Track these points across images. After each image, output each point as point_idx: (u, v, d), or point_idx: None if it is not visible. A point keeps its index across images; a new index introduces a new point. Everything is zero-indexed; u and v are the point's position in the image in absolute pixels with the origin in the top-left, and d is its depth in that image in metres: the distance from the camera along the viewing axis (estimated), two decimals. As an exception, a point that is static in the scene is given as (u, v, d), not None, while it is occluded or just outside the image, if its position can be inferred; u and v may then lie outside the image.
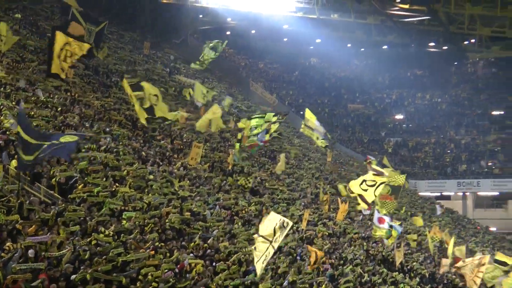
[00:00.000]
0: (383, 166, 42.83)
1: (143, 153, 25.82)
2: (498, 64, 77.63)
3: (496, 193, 66.17)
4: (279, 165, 33.81)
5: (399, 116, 73.67)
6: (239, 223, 23.75)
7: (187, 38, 62.12)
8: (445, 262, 29.15)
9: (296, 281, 20.64)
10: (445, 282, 29.05)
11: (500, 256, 30.81)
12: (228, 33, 71.08)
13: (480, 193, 66.28)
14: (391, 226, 27.48)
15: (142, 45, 47.63)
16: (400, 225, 29.51)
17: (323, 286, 21.46)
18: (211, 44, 42.77)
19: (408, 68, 79.56)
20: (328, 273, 22.73)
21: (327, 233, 27.91)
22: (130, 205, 20.06)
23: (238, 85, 61.51)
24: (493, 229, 59.92)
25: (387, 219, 27.85)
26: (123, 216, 19.05)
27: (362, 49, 78.89)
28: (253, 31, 72.88)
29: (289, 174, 36.49)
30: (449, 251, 29.89)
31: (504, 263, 30.69)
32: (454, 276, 29.97)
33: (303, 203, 31.07)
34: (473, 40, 73.85)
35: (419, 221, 38.43)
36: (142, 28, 54.24)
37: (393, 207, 30.12)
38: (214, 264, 19.05)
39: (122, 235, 17.87)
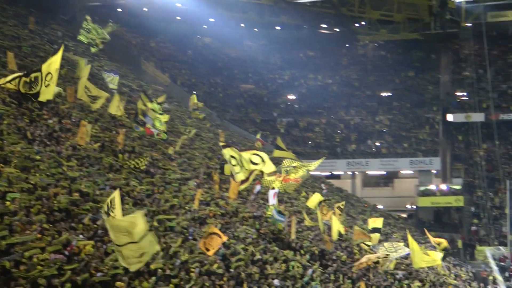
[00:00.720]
0: (277, 147, 43.29)
1: (29, 132, 24.75)
2: (387, 47, 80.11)
3: (384, 172, 68.59)
4: (175, 146, 33.55)
5: (291, 97, 74.58)
6: (130, 204, 23.31)
7: (76, 15, 60.11)
8: (328, 239, 29.71)
9: (188, 260, 20.46)
10: (334, 258, 29.70)
11: (372, 222, 31.89)
12: (119, 10, 69.49)
13: (369, 172, 68.45)
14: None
15: (27, 20, 45.60)
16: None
17: (215, 265, 21.41)
18: (104, 29, 42.37)
19: (301, 49, 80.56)
20: (220, 252, 22.69)
21: (219, 213, 27.87)
22: (15, 186, 19.20)
23: (129, 64, 60.28)
24: (380, 207, 62.08)
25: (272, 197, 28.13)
26: (7, 198, 18.22)
27: (255, 30, 79.22)
28: (145, 9, 71.61)
29: (181, 154, 36.18)
30: (334, 230, 30.50)
31: (377, 230, 31.81)
32: (342, 253, 30.72)
33: (195, 183, 30.86)
34: (363, 23, 75.91)
35: (312, 201, 38.94)
36: (27, 2, 51.89)
37: (294, 187, 30.47)
38: (104, 245, 18.57)
39: (6, 217, 17.11)
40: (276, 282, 22.68)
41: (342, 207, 35.63)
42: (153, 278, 18.48)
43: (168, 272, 19.38)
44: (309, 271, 25.33)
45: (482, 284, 40.75)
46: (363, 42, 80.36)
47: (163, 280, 18.84)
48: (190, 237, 23.09)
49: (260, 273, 22.90)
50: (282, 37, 78.73)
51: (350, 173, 67.57)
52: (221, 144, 27.70)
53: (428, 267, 32.67)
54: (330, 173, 65.82)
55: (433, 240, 35.23)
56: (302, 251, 28.37)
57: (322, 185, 52.61)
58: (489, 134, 65.73)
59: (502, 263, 50.17)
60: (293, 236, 28.52)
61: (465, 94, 71.81)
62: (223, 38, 77.78)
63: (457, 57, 77.07)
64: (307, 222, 32.86)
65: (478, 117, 67.20)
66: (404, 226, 54.68)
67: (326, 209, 33.14)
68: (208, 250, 21.40)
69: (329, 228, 31.14)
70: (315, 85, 75.95)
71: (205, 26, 78.14)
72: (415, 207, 64.00)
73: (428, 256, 29.41)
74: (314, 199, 34.34)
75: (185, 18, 75.06)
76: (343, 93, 74.23)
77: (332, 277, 26.10)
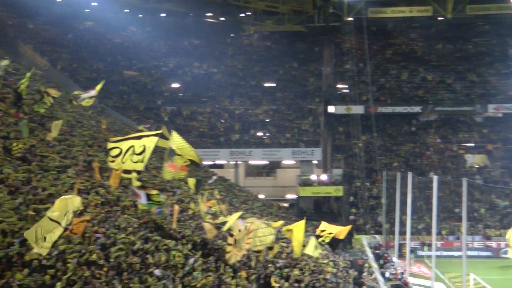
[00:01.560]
0: (163, 136, 42.58)
1: None
2: (272, 38, 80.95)
3: (266, 162, 69.34)
4: (51, 132, 32.19)
5: (175, 85, 73.82)
6: (5, 192, 22.16)
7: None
8: (209, 227, 29.51)
9: (65, 250, 19.70)
10: (216, 247, 29.60)
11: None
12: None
13: (251, 162, 68.98)
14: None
15: None
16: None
17: (94, 255, 20.74)
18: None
19: (186, 37, 79.92)
20: (99, 242, 22.03)
21: (100, 202, 27.07)
22: None
23: (5, 46, 57.51)
24: (262, 196, 62.71)
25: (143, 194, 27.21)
26: None
27: (140, 16, 77.84)
28: (23, -12, 68.65)
29: (61, 141, 34.86)
30: (202, 211, 30.31)
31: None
32: (224, 243, 30.64)
33: (74, 171, 29.81)
34: (249, 13, 76.32)
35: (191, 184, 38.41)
36: None
37: (181, 176, 29.87)
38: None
39: None
40: (157, 271, 22.29)
41: (219, 197, 35.53)
42: (26, 269, 17.64)
43: (44, 262, 18.57)
44: (191, 261, 25.09)
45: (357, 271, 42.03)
46: (248, 32, 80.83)
47: (38, 271, 18.03)
48: (68, 226, 22.24)
49: (141, 263, 22.43)
50: (167, 25, 77.82)
51: (233, 162, 67.80)
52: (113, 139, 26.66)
53: (308, 256, 33.20)
54: (213, 162, 65.75)
55: (334, 229, 35.33)
56: (184, 241, 28.07)
57: (214, 176, 52.47)
58: (368, 126, 67.89)
59: (377, 251, 51.98)
60: (174, 226, 28.14)
61: (346, 86, 73.79)
62: (106, 23, 75.87)
63: (339, 50, 79.12)
64: (191, 211, 32.59)
65: (358, 109, 69.29)
66: (286, 215, 55.48)
67: (207, 198, 32.96)
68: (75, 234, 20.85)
69: (212, 217, 30.94)
70: (199, 73, 75.60)
71: (88, 10, 75.89)
72: (296, 196, 65.13)
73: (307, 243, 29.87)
74: (191, 183, 33.89)
75: (66, 0, 72.56)
76: (227, 83, 74.33)
77: (213, 267, 25.97)
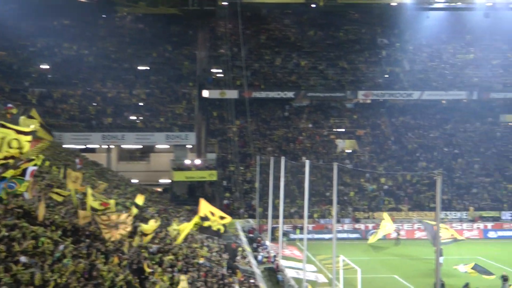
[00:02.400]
0: (30, 117, 40.69)
1: None
2: (145, 20, 79.38)
3: (140, 146, 68.16)
4: None
5: (44, 66, 70.77)
6: None
7: None
8: (83, 214, 28.56)
9: None
10: (87, 233, 28.63)
11: (138, 199, 31.37)
12: None
13: (124, 146, 67.58)
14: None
15: None
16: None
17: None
18: None
19: (55, 16, 76.55)
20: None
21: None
22: None
23: None
24: (135, 181, 61.62)
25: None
26: None
27: (6, -7, 73.83)
28: None
29: None
30: (88, 204, 29.41)
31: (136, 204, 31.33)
32: (96, 228, 29.71)
33: None
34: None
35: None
36: None
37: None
38: None
39: None
40: (23, 259, 21.15)
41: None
42: None
43: None
44: (60, 247, 24.06)
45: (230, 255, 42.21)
46: (121, 14, 78.89)
47: None
48: None
49: (6, 251, 21.22)
50: (34, 3, 74.16)
51: (106, 146, 66.12)
52: None
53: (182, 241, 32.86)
54: (84, 146, 63.78)
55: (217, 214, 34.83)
56: (53, 227, 26.89)
57: (77, 159, 50.60)
58: (242, 111, 68.24)
59: (250, 235, 52.55)
60: (41, 215, 26.79)
61: (220, 71, 73.74)
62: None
63: (213, 35, 78.91)
64: (57, 197, 31.24)
65: (232, 94, 69.45)
66: (159, 199, 54.82)
67: (80, 182, 31.74)
68: None
69: (82, 202, 29.86)
70: (70, 55, 72.87)
71: None
72: (170, 181, 64.52)
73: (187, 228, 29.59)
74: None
75: None
76: (99, 65, 72.10)
77: (84, 253, 25.07)
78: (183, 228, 29.41)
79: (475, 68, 78.54)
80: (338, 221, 57.91)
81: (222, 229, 28.73)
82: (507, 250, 51.64)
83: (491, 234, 59.23)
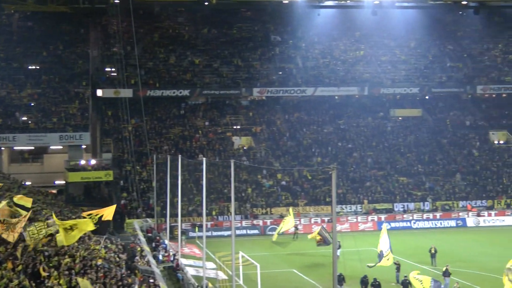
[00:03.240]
0: None
1: None
2: (34, 18, 76.81)
3: (32, 148, 66.03)
4: None
5: None
6: None
7: None
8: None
9: None
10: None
11: (19, 200, 30.32)
12: None
13: (16, 148, 65.29)
14: None
15: None
16: None
17: None
18: None
19: None
20: None
21: None
22: None
23: None
24: (28, 183, 59.57)
25: None
26: None
27: None
28: None
29: None
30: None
31: (23, 207, 30.30)
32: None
33: None
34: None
35: None
36: None
37: None
38: None
39: None
40: None
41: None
42: None
43: None
44: None
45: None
46: (9, 11, 75.91)
47: None
48: None
49: None
50: None
51: (-4, 148, 63.57)
52: None
53: (77, 242, 31.99)
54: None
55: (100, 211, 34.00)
56: None
57: None
58: (137, 110, 67.23)
59: (149, 234, 51.96)
60: None
61: (114, 70, 72.41)
62: None
63: (106, 33, 77.37)
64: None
65: (126, 92, 68.29)
66: (55, 202, 53.24)
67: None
68: None
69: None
70: None
71: None
72: (64, 182, 62.83)
73: (77, 229, 28.73)
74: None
75: None
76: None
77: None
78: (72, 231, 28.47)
79: (366, 65, 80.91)
80: (237, 218, 58.30)
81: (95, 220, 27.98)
82: (399, 240, 53.48)
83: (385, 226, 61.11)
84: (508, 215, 63.55)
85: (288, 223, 53.88)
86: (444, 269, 33.57)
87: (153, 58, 76.39)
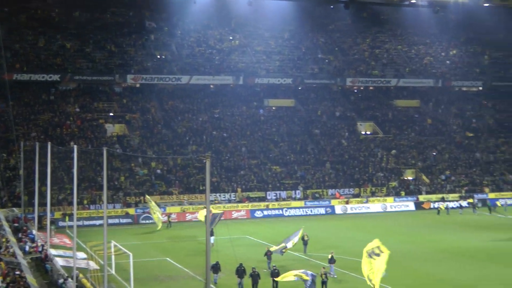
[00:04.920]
0: None
1: None
2: None
3: None
4: None
5: None
6: None
7: None
8: None
9: None
10: None
11: None
12: None
13: None
14: None
15: None
16: None
17: None
18: None
19: None
20: None
21: None
22: None
23: None
24: None
25: None
26: None
27: None
28: None
29: None
30: None
31: None
32: None
33: None
34: None
35: None
36: None
37: None
38: None
39: None
40: None
41: None
42: None
43: None
44: None
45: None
46: None
47: None
48: None
49: None
50: None
51: None
52: None
53: None
54: None
55: None
56: None
57: None
58: (3, 95, 64.28)
59: (15, 224, 49.93)
60: None
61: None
62: None
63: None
64: None
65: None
66: None
67: None
68: None
69: None
70: None
71: None
72: None
73: None
74: None
75: None
76: None
77: None
78: None
79: (241, 54, 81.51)
80: (109, 207, 57.18)
81: None
82: (271, 228, 54.44)
83: (258, 214, 62.02)
84: (373, 202, 66.11)
85: (156, 210, 53.49)
86: (329, 256, 34.36)
87: (20, 40, 73.16)
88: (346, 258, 37.94)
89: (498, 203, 65.53)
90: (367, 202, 65.52)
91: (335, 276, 34.06)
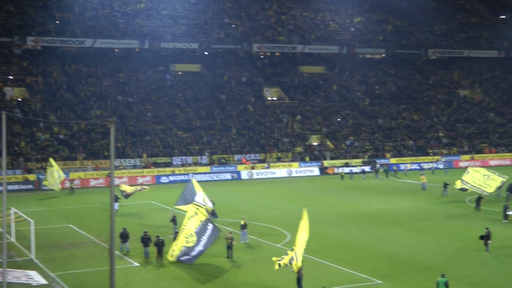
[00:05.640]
0: None
1: None
2: None
3: None
4: None
5: None
6: None
7: None
8: None
9: None
10: None
11: None
12: None
13: None
14: None
15: None
16: None
17: None
18: None
19: None
20: None
21: None
22: None
23: None
24: None
25: None
26: None
27: None
28: None
29: None
30: None
31: None
32: None
33: None
34: None
35: None
36: None
37: None
38: None
39: None
40: None
41: None
42: None
43: None
44: None
45: None
46: None
47: None
48: None
49: None
50: None
51: None
52: None
53: None
54: None
55: None
56: None
57: None
58: None
59: None
60: None
61: None
62: None
63: None
64: None
65: None
66: None
67: None
68: None
69: None
70: None
71: None
72: None
73: None
74: None
75: None
76: None
77: None
78: None
79: (146, 18, 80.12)
80: (9, 173, 55.54)
81: None
82: (177, 193, 54.16)
83: (164, 180, 61.68)
84: (279, 168, 67.03)
85: (54, 175, 52.37)
86: (242, 222, 34.48)
87: None
88: (254, 224, 38.34)
89: (395, 167, 67.77)
90: (268, 167, 66.32)
91: (248, 242, 34.34)
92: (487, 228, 31.77)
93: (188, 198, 34.18)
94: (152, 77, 76.84)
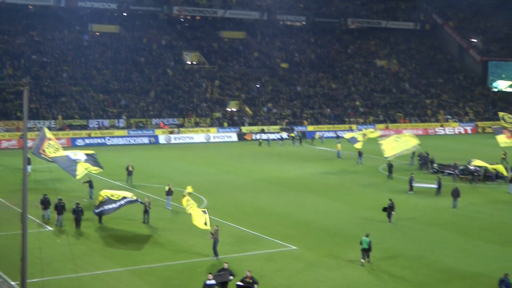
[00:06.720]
0: None
1: None
2: None
3: None
4: None
5: None
6: None
7: None
8: None
9: None
10: None
11: None
12: None
13: None
14: None
15: None
16: None
17: None
18: None
19: None
20: None
21: None
22: None
23: None
24: None
25: None
26: None
27: None
28: None
29: None
30: None
31: None
32: None
33: None
34: None
35: None
36: None
37: None
38: None
39: None
40: None
41: None
42: None
43: None
44: None
45: None
46: None
47: None
48: None
49: None
50: None
51: None
52: None
53: None
54: None
55: None
56: None
57: None
58: None
59: None
60: None
61: None
62: None
63: None
64: None
65: None
66: None
67: None
68: None
69: None
70: None
71: None
72: None
73: None
74: None
75: None
76: None
77: None
78: None
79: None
80: None
81: None
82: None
83: (79, 142, 60.36)
84: (197, 133, 66.84)
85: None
86: (167, 188, 34.17)
87: None
88: (174, 189, 38.09)
89: (316, 135, 68.64)
90: (178, 133, 65.83)
91: (170, 208, 34.11)
92: (390, 200, 32.52)
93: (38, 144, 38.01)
94: (68, 36, 74.71)
